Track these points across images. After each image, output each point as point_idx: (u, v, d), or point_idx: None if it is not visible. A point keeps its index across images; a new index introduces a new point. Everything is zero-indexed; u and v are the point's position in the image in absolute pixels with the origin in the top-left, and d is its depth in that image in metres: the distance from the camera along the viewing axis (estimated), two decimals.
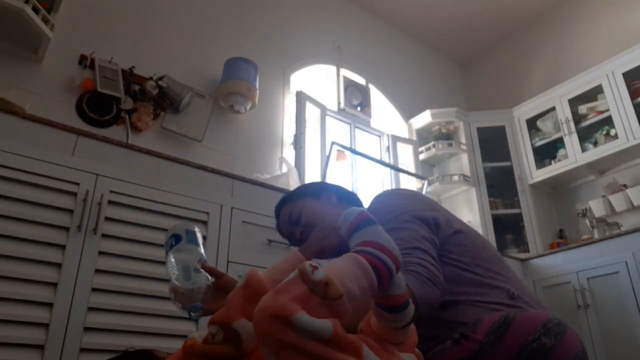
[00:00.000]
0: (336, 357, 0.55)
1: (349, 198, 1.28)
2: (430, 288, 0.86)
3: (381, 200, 1.13)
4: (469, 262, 0.99)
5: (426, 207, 1.08)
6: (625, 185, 3.25)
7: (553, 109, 3.60)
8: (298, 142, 3.07)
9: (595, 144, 3.35)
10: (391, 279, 0.66)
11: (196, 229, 1.01)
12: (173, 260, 0.94)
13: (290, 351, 0.54)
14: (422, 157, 3.81)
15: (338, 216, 1.16)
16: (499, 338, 0.81)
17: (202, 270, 0.94)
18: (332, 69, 3.68)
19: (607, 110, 3.28)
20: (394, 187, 3.57)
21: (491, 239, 3.43)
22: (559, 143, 3.55)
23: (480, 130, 3.84)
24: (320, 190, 1.26)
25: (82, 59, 2.39)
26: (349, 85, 3.66)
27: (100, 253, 1.47)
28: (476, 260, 0.99)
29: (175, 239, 0.97)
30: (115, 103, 2.38)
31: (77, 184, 1.50)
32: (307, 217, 1.18)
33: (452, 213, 1.16)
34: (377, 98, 3.89)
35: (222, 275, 1.09)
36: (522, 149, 3.70)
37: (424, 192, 3.40)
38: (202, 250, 0.99)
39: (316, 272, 0.58)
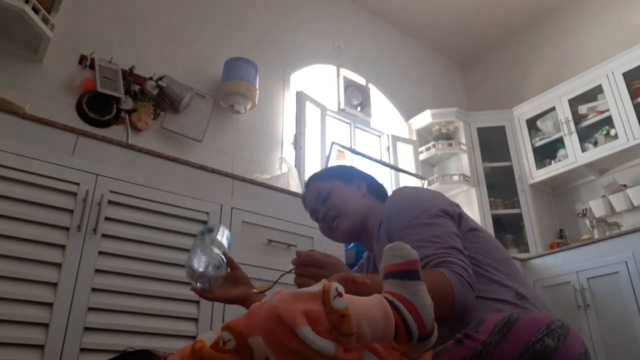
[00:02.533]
0: None
1: (378, 190, 1.32)
2: (468, 292, 0.89)
3: (405, 194, 1.14)
4: (481, 259, 1.00)
5: (449, 201, 1.12)
6: (625, 185, 3.25)
7: (553, 109, 3.60)
8: (298, 142, 3.07)
9: (595, 144, 3.35)
10: (408, 342, 0.63)
11: (229, 231, 1.18)
12: (198, 247, 1.06)
13: (292, 356, 0.54)
14: (422, 157, 3.81)
15: (364, 206, 1.24)
16: (502, 338, 0.81)
17: (220, 257, 1.07)
18: (332, 69, 3.68)
19: (607, 110, 3.28)
20: (394, 187, 3.57)
21: None
22: (559, 143, 3.55)
23: (480, 130, 3.84)
24: (353, 176, 1.31)
25: (82, 59, 2.39)
26: (349, 85, 3.66)
27: (100, 253, 1.47)
28: (488, 258, 1.01)
29: (208, 230, 1.11)
30: (115, 103, 2.38)
31: (77, 184, 1.50)
32: (334, 200, 1.24)
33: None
34: (377, 98, 3.89)
35: (236, 268, 1.16)
36: (522, 149, 3.70)
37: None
38: (227, 244, 1.13)
39: (338, 299, 0.56)
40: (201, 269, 1.02)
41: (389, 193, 1.30)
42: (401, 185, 3.58)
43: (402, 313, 0.63)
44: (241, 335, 0.69)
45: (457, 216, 1.06)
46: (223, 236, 1.13)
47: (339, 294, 0.57)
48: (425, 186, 3.42)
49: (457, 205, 1.12)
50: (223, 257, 1.07)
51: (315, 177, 1.32)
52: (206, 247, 1.06)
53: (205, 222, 1.73)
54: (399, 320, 0.62)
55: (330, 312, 0.55)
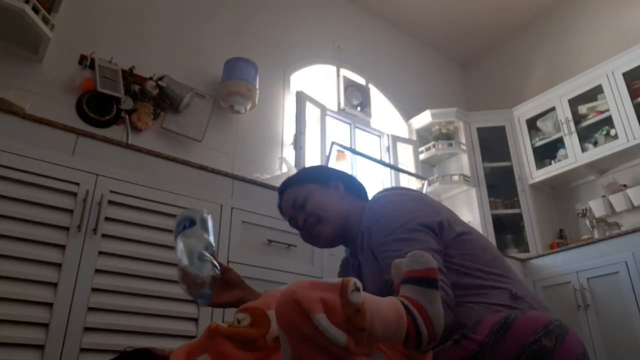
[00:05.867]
0: (344, 355, 0.55)
1: (356, 188, 1.26)
2: (447, 313, 0.85)
3: (384, 204, 1.08)
4: (470, 265, 0.98)
5: (430, 210, 1.05)
6: (625, 185, 3.25)
7: (553, 109, 3.60)
8: (298, 142, 3.07)
9: (595, 144, 3.35)
10: (418, 347, 0.64)
11: (209, 217, 1.02)
12: (182, 244, 0.96)
13: (304, 340, 0.55)
14: (422, 157, 3.81)
15: (343, 208, 1.18)
16: (500, 339, 0.80)
17: (210, 259, 0.95)
18: (332, 69, 3.68)
19: (607, 110, 3.28)
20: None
21: (491, 239, 3.43)
22: (559, 143, 3.55)
23: (480, 130, 3.84)
24: (328, 177, 1.24)
25: (82, 59, 2.39)
26: (349, 85, 3.66)
27: (100, 253, 1.47)
28: (477, 263, 0.99)
29: (190, 223, 0.98)
30: (115, 103, 2.38)
31: (77, 184, 1.50)
32: (312, 206, 1.17)
33: (455, 213, 1.13)
34: (377, 98, 3.89)
35: (227, 270, 1.10)
36: (522, 149, 3.70)
37: (424, 192, 3.39)
38: (212, 240, 1.00)
39: (356, 294, 0.58)
40: (201, 289, 0.92)
41: (370, 190, 1.25)
42: (401, 185, 3.58)
43: (416, 319, 0.63)
44: (257, 310, 0.70)
45: (437, 227, 1.00)
46: (210, 231, 1.01)
47: (357, 289, 0.58)
48: (425, 186, 3.42)
49: (439, 212, 1.05)
50: (216, 263, 0.97)
51: (288, 183, 1.25)
52: (196, 250, 0.96)
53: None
54: (411, 327, 0.63)
55: (347, 304, 0.57)
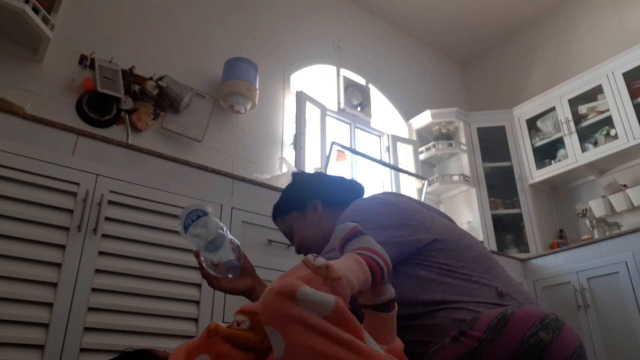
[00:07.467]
0: (337, 332, 0.58)
1: (338, 198, 1.24)
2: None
3: (351, 208, 1.11)
4: (453, 263, 0.97)
5: (396, 215, 1.04)
6: (625, 185, 3.25)
7: (553, 109, 3.60)
8: (298, 142, 3.07)
9: (595, 144, 3.35)
10: (382, 278, 0.73)
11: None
12: (204, 232, 1.01)
13: (295, 324, 0.58)
14: (422, 157, 3.81)
15: (325, 230, 1.20)
16: (498, 334, 0.81)
17: (231, 237, 1.01)
18: (332, 69, 3.68)
19: (607, 110, 3.28)
20: (394, 187, 3.57)
21: (491, 239, 3.43)
22: (559, 143, 3.55)
23: (480, 130, 3.85)
24: (305, 198, 1.26)
25: (82, 59, 2.39)
26: (349, 85, 3.66)
27: (100, 253, 1.46)
28: (461, 261, 0.98)
29: (203, 213, 1.03)
30: (115, 103, 2.38)
31: (77, 184, 1.50)
32: (297, 237, 1.26)
33: (435, 218, 1.09)
34: (377, 98, 3.89)
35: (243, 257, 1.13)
36: (522, 149, 3.70)
37: (424, 192, 3.39)
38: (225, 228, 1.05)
39: (318, 259, 0.66)
40: (231, 258, 0.98)
41: (348, 197, 1.25)
42: (401, 186, 3.58)
43: (369, 255, 0.73)
44: (256, 314, 0.74)
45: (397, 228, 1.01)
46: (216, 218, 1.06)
47: (316, 257, 0.67)
48: (425, 186, 3.42)
49: (413, 217, 1.03)
50: (231, 252, 1.02)
51: (275, 213, 1.32)
52: (217, 231, 1.01)
53: None
54: (370, 261, 0.72)
55: (317, 269, 0.65)
